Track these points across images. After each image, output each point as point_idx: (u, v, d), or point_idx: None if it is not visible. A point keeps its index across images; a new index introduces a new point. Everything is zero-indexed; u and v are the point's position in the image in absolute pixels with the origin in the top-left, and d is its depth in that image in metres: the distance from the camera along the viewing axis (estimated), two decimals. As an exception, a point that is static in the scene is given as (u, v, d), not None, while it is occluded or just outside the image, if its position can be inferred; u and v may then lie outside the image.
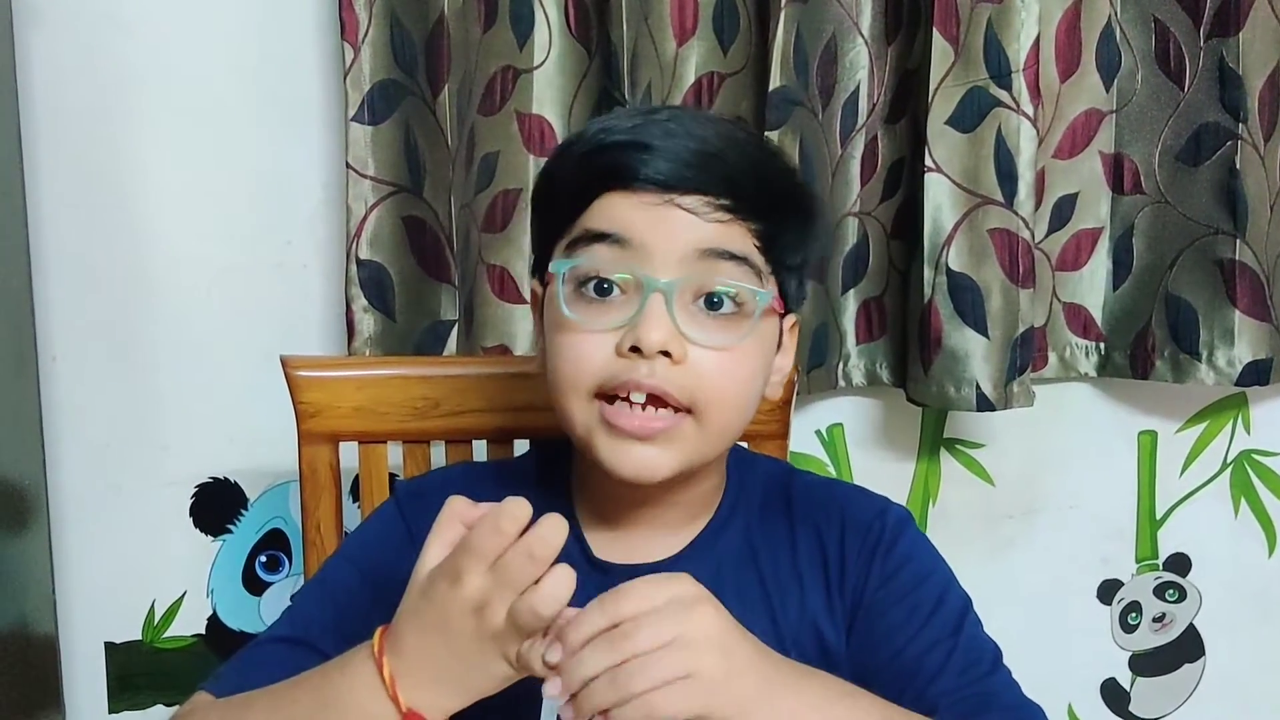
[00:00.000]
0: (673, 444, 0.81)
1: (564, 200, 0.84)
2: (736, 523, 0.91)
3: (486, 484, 0.94)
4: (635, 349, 0.79)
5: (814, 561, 0.90)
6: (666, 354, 0.79)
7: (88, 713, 1.42)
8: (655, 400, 0.80)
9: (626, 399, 0.80)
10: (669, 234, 0.80)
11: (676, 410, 0.81)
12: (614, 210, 0.81)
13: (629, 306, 0.80)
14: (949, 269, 1.34)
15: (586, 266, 0.81)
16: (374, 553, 0.92)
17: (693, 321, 0.80)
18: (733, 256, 0.81)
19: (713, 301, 0.81)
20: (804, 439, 1.48)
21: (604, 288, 0.81)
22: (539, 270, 0.89)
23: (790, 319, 0.88)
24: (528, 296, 1.30)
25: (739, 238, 0.81)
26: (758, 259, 0.82)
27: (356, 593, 0.90)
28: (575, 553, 0.88)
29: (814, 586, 0.89)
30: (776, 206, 0.83)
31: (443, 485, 0.95)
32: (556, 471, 0.94)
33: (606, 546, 0.89)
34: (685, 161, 0.80)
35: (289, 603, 0.93)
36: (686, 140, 0.81)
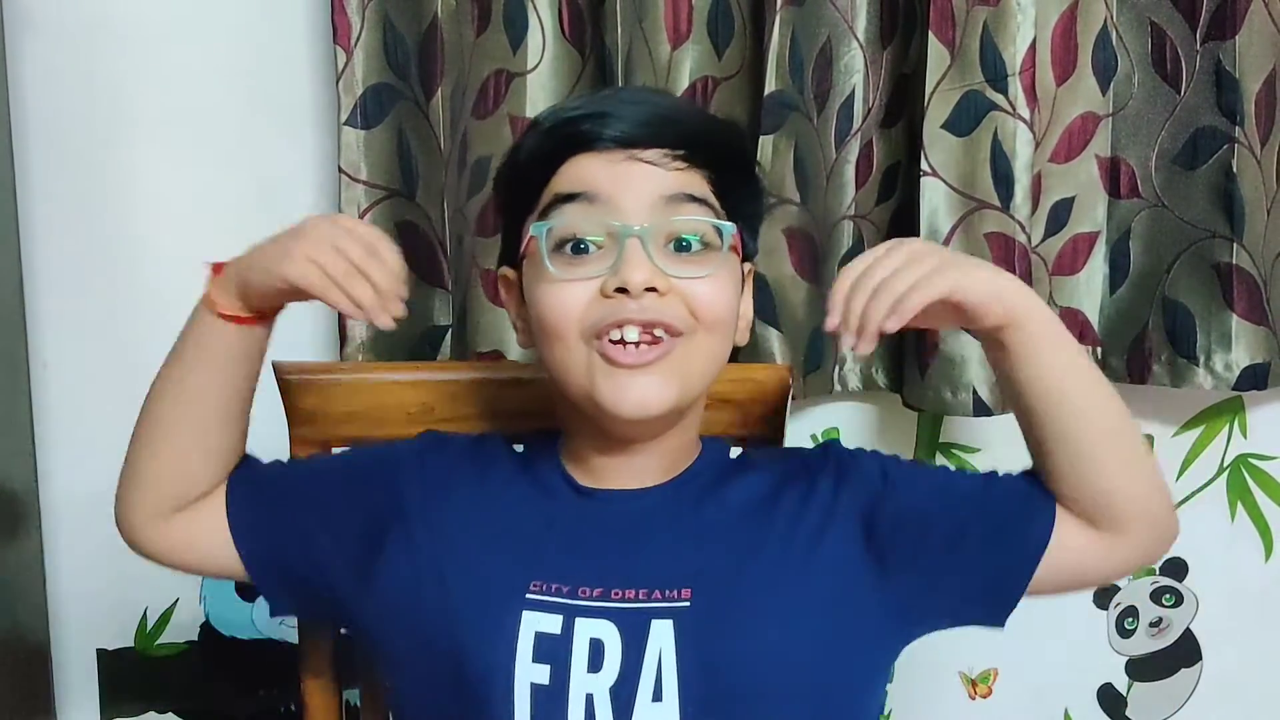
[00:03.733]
0: (669, 372, 0.86)
1: (531, 173, 0.90)
2: (713, 468, 0.96)
3: (492, 454, 0.99)
4: (621, 290, 0.84)
5: (798, 477, 0.94)
6: (652, 290, 0.85)
7: (80, 720, 1.42)
8: (648, 334, 0.85)
9: (620, 342, 0.85)
10: (634, 185, 0.87)
11: (670, 336, 0.86)
12: (580, 171, 0.88)
13: (607, 257, 0.86)
14: (945, 273, 1.33)
15: (561, 228, 0.87)
16: (379, 450, 1.00)
17: (668, 261, 0.86)
18: (694, 199, 0.88)
19: (681, 244, 0.87)
20: (799, 443, 1.46)
21: (581, 247, 0.87)
22: (509, 256, 0.94)
23: (748, 266, 0.95)
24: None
25: (697, 183, 0.89)
26: (715, 203, 0.90)
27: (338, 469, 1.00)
28: (562, 485, 0.94)
29: (801, 494, 0.92)
30: (727, 159, 0.92)
31: (460, 449, 0.99)
32: (548, 440, 0.98)
33: (592, 483, 0.94)
34: (642, 121, 0.88)
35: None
36: (641, 106, 0.91)
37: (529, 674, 0.83)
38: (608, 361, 0.85)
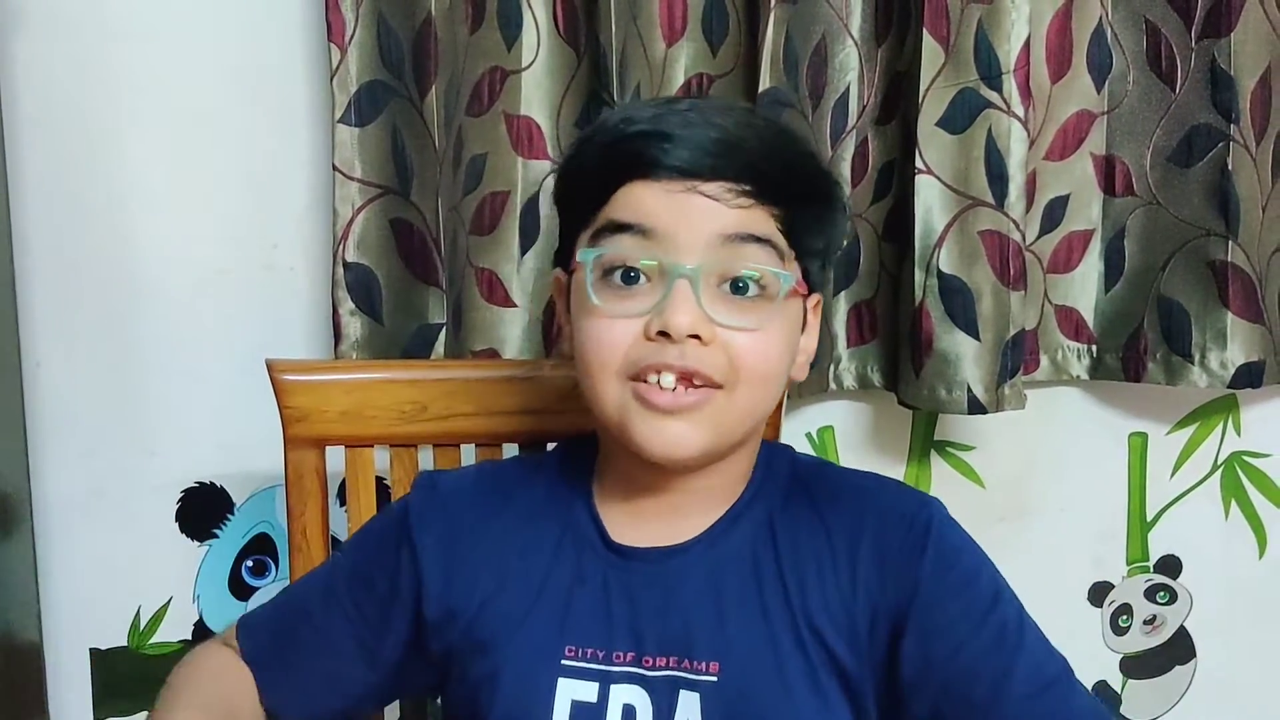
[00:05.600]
0: (704, 420, 0.82)
1: (587, 191, 0.85)
2: (758, 509, 0.90)
3: (507, 482, 0.96)
4: (663, 333, 0.81)
5: (840, 547, 0.88)
6: (695, 337, 0.81)
7: (73, 720, 1.42)
8: (685, 380, 0.81)
9: (658, 383, 0.81)
10: (692, 221, 0.81)
11: (709, 386, 0.82)
12: (637, 200, 0.82)
13: (655, 293, 0.82)
14: (940, 271, 1.33)
15: (612, 255, 0.83)
16: (368, 555, 0.96)
17: (718, 305, 0.82)
18: (756, 239, 0.82)
19: (738, 286, 0.82)
20: (794, 442, 1.44)
21: (630, 276, 0.82)
22: (563, 259, 0.90)
23: (814, 298, 0.90)
24: (515, 299, 1.30)
25: (762, 221, 0.83)
26: (780, 242, 0.83)
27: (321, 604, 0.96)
28: (593, 535, 0.90)
29: (834, 571, 0.88)
30: (797, 191, 0.84)
31: (466, 490, 0.95)
32: (579, 461, 0.95)
33: (624, 531, 0.90)
34: (706, 150, 0.82)
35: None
36: (706, 129, 0.83)
37: None
38: (642, 403, 0.82)
